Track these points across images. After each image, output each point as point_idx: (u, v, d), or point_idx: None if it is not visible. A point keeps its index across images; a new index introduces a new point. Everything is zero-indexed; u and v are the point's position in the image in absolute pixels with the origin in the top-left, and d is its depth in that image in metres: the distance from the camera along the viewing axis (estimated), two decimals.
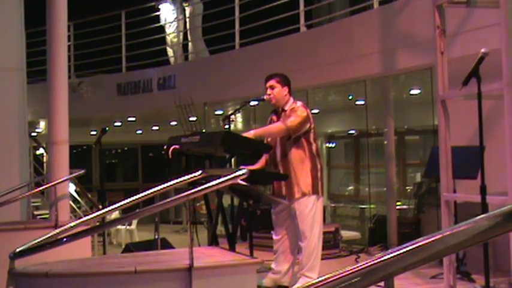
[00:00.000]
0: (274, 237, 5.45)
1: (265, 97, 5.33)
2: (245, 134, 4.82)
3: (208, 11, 10.40)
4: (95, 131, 13.46)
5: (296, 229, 5.21)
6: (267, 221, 5.66)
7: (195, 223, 5.20)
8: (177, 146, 4.64)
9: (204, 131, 5.02)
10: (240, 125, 12.31)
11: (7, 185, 5.71)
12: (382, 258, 1.43)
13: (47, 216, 6.29)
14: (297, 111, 5.17)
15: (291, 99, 5.32)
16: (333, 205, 11.68)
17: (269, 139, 5.35)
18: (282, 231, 5.36)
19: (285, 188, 5.21)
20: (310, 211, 5.16)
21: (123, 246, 7.39)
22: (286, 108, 5.27)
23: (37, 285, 3.15)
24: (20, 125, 6.32)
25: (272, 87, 5.29)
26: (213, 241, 4.31)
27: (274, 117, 5.42)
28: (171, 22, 10.89)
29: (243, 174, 3.14)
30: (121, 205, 3.40)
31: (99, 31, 11.23)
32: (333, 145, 13.20)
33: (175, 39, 10.93)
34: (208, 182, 3.15)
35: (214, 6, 10.13)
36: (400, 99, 9.40)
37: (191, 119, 6.36)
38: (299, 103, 5.29)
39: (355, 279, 1.42)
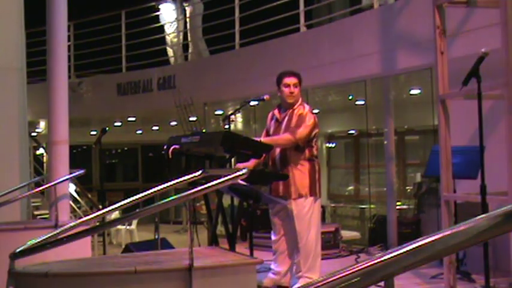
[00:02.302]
0: (272, 237, 5.44)
1: (286, 93, 5.27)
2: None
3: (208, 11, 10.41)
4: (95, 131, 13.46)
5: (293, 230, 5.20)
6: (267, 221, 5.67)
7: (195, 223, 5.19)
8: (177, 146, 4.63)
9: (204, 131, 5.01)
10: (240, 125, 12.30)
11: (7, 185, 5.71)
12: (382, 258, 1.43)
13: (47, 216, 6.29)
14: (305, 119, 5.12)
15: (300, 99, 5.33)
16: (333, 205, 11.68)
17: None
18: (280, 232, 5.36)
19: (282, 187, 5.19)
20: (307, 213, 5.14)
21: (123, 246, 7.38)
22: (295, 107, 5.25)
23: (37, 285, 3.15)
24: (20, 125, 6.32)
25: (295, 85, 5.28)
26: (213, 241, 4.31)
27: (277, 112, 5.38)
28: (171, 22, 10.90)
29: (243, 174, 3.14)
30: (121, 205, 3.39)
31: (99, 31, 11.23)
32: (333, 145, 13.19)
33: (175, 39, 10.93)
34: (208, 182, 3.15)
35: (214, 6, 10.13)
36: (400, 99, 9.39)
37: (191, 119, 6.36)
38: (307, 108, 5.25)
39: (355, 279, 1.42)
